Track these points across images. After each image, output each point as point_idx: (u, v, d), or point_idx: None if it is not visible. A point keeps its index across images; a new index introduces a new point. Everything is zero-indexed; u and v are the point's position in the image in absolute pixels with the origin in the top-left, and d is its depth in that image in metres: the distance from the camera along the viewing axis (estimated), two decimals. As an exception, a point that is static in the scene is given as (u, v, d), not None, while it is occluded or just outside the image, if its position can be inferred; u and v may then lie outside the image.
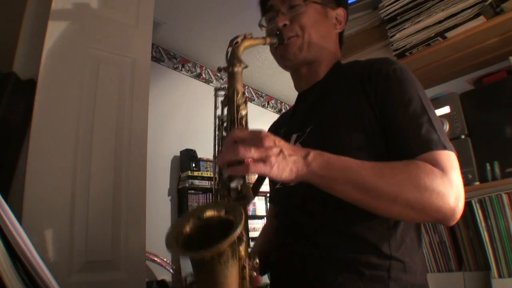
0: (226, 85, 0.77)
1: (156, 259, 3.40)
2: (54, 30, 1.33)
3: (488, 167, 1.21)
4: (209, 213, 0.63)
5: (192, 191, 3.91)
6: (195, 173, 3.86)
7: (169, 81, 4.07)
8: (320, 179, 0.65)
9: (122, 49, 1.51)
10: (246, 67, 0.76)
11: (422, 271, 0.75)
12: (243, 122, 0.72)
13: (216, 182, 0.72)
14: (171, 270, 3.49)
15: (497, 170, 1.19)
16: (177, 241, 0.61)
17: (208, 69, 4.49)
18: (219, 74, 4.56)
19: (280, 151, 0.63)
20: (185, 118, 4.10)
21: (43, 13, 1.35)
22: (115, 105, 1.44)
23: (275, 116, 5.44)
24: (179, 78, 4.22)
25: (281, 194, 0.87)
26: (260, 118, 5.01)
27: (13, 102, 1.25)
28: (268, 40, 0.83)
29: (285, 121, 0.99)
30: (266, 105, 5.27)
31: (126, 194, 1.38)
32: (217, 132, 0.76)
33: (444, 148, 0.67)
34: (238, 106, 0.72)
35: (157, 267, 3.44)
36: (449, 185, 0.64)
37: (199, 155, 3.96)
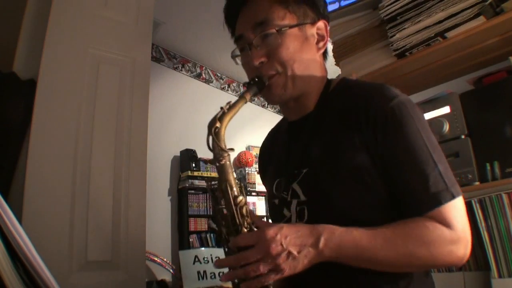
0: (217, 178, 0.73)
1: (156, 259, 3.40)
2: (54, 30, 1.33)
3: (488, 167, 1.21)
4: None
5: (192, 191, 3.91)
6: (195, 173, 3.86)
7: (169, 81, 4.08)
8: (334, 260, 0.66)
9: (122, 49, 1.51)
10: (232, 151, 0.72)
11: None
12: (244, 212, 0.70)
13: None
14: (171, 270, 3.49)
15: (497, 170, 1.19)
16: None
17: (208, 69, 4.49)
18: (219, 74, 4.56)
19: (288, 253, 0.62)
20: (185, 118, 4.10)
21: (43, 13, 1.35)
22: (115, 105, 1.44)
23: (275, 116, 5.40)
24: (179, 78, 4.22)
25: (279, 219, 0.82)
26: (260, 118, 5.02)
27: (13, 102, 1.25)
28: (248, 96, 0.74)
29: (278, 149, 0.93)
30: (266, 105, 5.27)
31: (126, 194, 1.38)
32: (221, 227, 0.73)
33: (452, 197, 0.67)
34: (235, 198, 0.70)
35: (157, 267, 3.45)
36: (457, 241, 0.66)
37: (199, 155, 3.96)
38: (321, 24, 0.82)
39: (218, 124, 0.69)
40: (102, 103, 1.41)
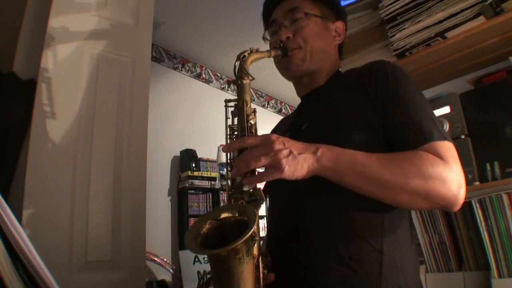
0: (236, 97, 0.81)
1: (156, 259, 3.40)
2: (54, 30, 1.33)
3: (488, 167, 1.21)
4: (225, 214, 0.69)
5: (192, 191, 3.91)
6: (195, 173, 3.86)
7: (169, 81, 4.07)
8: (330, 172, 0.69)
9: (122, 49, 1.51)
10: (253, 79, 0.80)
11: (415, 269, 0.76)
12: (253, 130, 0.76)
13: (229, 187, 0.76)
14: (171, 270, 3.49)
15: (497, 170, 1.19)
16: (196, 241, 0.65)
17: (208, 69, 4.49)
18: (219, 74, 4.56)
19: (290, 152, 0.66)
20: (185, 118, 4.10)
21: (43, 13, 1.35)
22: (115, 105, 1.44)
23: (275, 116, 5.43)
24: (179, 78, 4.22)
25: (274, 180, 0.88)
26: (260, 118, 4.99)
27: (13, 102, 1.25)
28: (273, 53, 0.86)
29: (285, 123, 1.02)
30: (266, 105, 5.27)
31: (126, 194, 1.38)
32: (228, 141, 0.80)
33: (445, 139, 0.72)
34: (247, 116, 0.77)
35: (157, 267, 3.44)
36: (450, 173, 0.68)
37: (199, 155, 3.96)
38: (339, 24, 0.99)
39: (246, 54, 0.80)
40: (102, 103, 1.41)
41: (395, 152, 0.72)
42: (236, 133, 0.79)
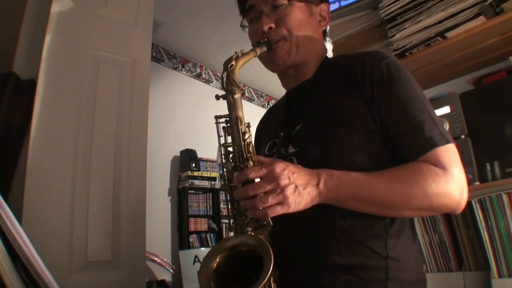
0: (226, 112, 0.75)
1: (156, 259, 3.41)
2: (54, 30, 1.33)
3: (488, 167, 1.21)
4: (235, 246, 0.67)
5: (192, 191, 3.92)
6: (195, 173, 3.86)
7: (169, 81, 4.08)
8: (332, 200, 0.68)
9: (122, 49, 1.51)
10: (242, 90, 0.75)
11: (419, 266, 0.76)
12: (250, 149, 0.72)
13: (231, 213, 0.73)
14: (171, 270, 3.49)
15: (497, 170, 1.19)
16: (209, 282, 0.64)
17: (208, 69, 4.49)
18: (219, 74, 4.56)
19: (295, 187, 0.65)
20: (185, 118, 4.10)
21: (43, 13, 1.35)
22: (115, 105, 1.44)
23: (275, 116, 5.40)
24: (179, 78, 4.22)
25: None
26: (260, 118, 4.99)
27: (13, 102, 1.25)
28: (258, 51, 0.79)
29: (274, 118, 0.98)
30: (266, 105, 5.27)
31: (126, 194, 1.38)
32: (223, 161, 0.76)
33: (447, 141, 0.70)
34: (243, 134, 0.72)
35: (157, 267, 3.44)
36: (452, 183, 0.68)
37: (199, 155, 3.97)
38: (324, 6, 0.91)
39: (233, 63, 0.73)
40: (102, 103, 1.41)
41: (396, 168, 0.71)
42: (232, 154, 0.74)
